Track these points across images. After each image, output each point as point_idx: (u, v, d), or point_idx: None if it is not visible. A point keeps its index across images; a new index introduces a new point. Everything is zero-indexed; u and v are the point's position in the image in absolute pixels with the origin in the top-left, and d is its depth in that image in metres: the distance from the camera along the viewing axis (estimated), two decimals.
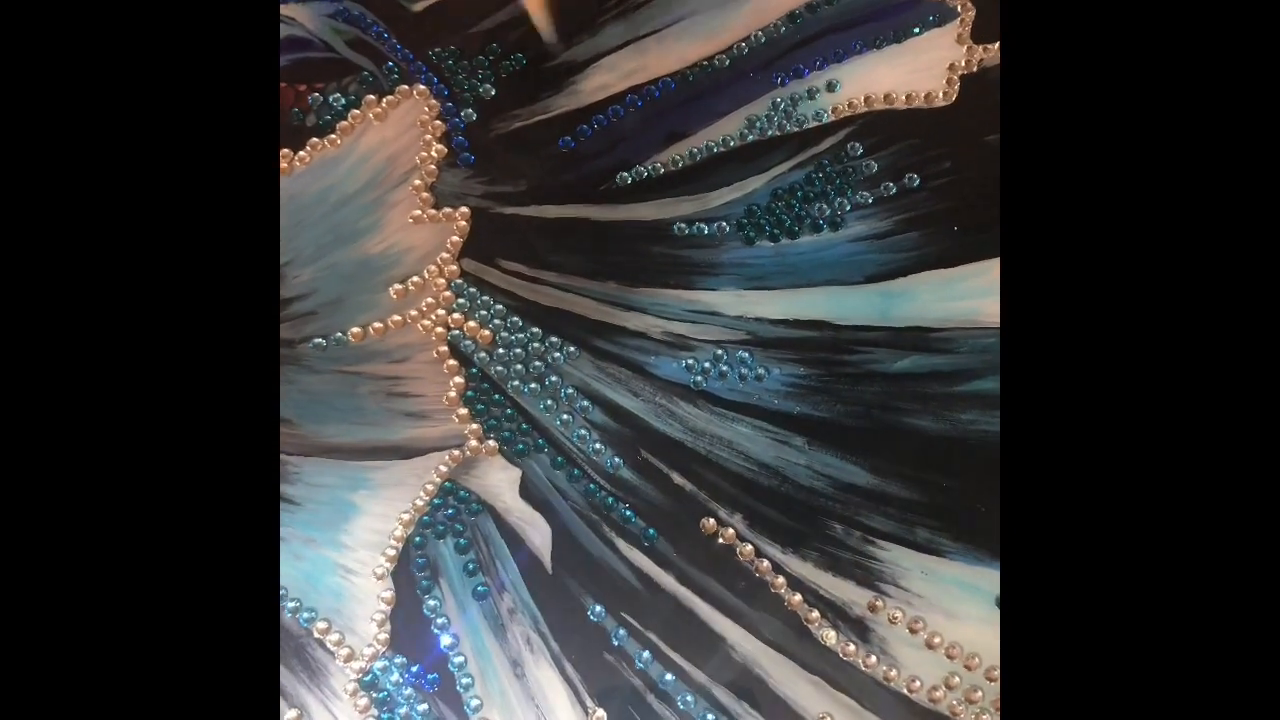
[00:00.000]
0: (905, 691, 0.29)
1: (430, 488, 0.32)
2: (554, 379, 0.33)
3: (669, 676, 0.30)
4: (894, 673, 0.30)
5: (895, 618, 0.30)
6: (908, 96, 0.35)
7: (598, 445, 0.32)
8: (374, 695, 0.31)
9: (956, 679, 0.29)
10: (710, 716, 0.30)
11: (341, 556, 0.32)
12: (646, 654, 0.30)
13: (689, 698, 0.30)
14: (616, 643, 0.30)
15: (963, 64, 0.35)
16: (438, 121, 0.36)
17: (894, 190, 0.34)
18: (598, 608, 0.31)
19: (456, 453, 0.33)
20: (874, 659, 0.30)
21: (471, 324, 0.34)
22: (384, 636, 0.31)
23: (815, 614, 0.30)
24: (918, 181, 0.34)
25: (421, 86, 0.37)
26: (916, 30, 0.35)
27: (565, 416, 0.33)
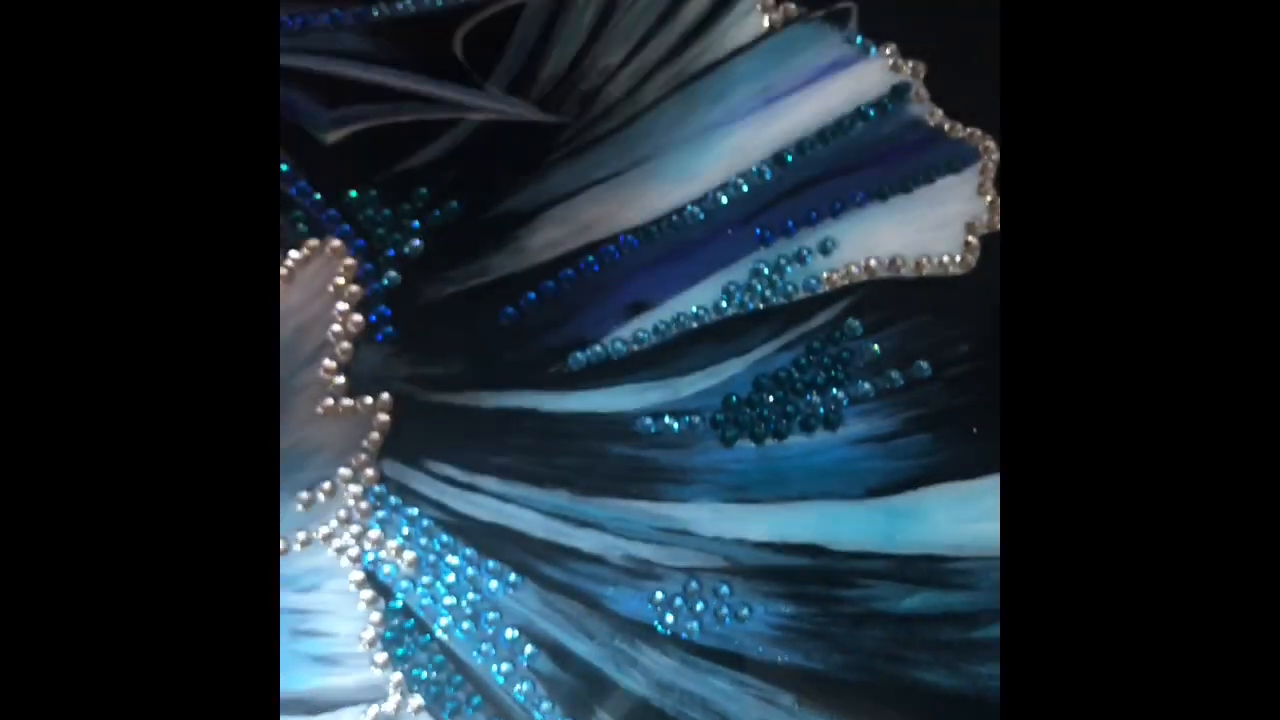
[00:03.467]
0: None
1: None
2: (492, 616, 0.28)
3: None
4: None
5: None
6: (919, 262, 0.29)
7: (545, 704, 0.27)
8: None
9: None
10: None
11: None
12: None
13: None
14: None
15: (984, 221, 0.29)
16: (354, 286, 0.30)
17: (901, 380, 0.28)
18: None
19: (375, 709, 0.27)
20: None
21: (393, 544, 0.29)
22: None
23: None
24: (929, 370, 0.28)
25: (336, 241, 0.31)
26: (930, 178, 0.29)
27: (505, 666, 0.27)
